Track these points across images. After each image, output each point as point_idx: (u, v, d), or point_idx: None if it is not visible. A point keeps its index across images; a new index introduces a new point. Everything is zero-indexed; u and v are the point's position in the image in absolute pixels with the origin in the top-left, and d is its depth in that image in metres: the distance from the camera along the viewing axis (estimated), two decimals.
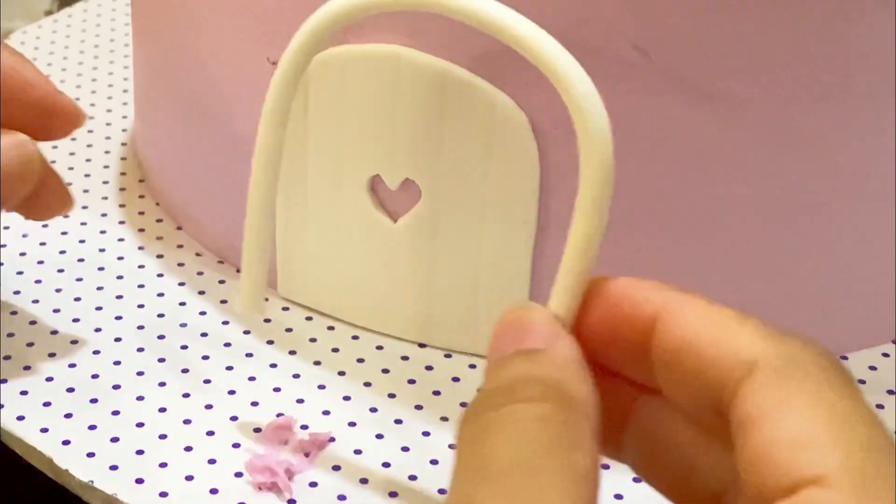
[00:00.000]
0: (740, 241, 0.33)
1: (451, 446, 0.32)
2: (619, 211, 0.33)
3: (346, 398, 0.33)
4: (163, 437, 0.32)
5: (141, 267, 0.38)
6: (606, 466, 0.24)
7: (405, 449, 0.32)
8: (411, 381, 0.34)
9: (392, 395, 0.34)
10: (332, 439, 0.32)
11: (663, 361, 0.23)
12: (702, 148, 0.32)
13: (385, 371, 0.34)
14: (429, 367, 0.35)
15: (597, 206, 0.25)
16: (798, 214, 0.33)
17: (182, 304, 0.37)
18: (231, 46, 0.35)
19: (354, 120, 0.33)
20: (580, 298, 0.25)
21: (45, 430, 0.32)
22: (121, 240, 0.40)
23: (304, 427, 0.32)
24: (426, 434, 0.32)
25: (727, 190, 0.32)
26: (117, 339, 0.35)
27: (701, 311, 0.23)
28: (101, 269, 0.38)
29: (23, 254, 0.39)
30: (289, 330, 0.36)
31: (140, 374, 0.34)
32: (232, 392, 0.33)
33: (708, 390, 0.22)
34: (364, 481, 0.31)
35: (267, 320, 0.36)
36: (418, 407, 0.33)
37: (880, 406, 0.34)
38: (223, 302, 0.37)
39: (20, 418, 0.32)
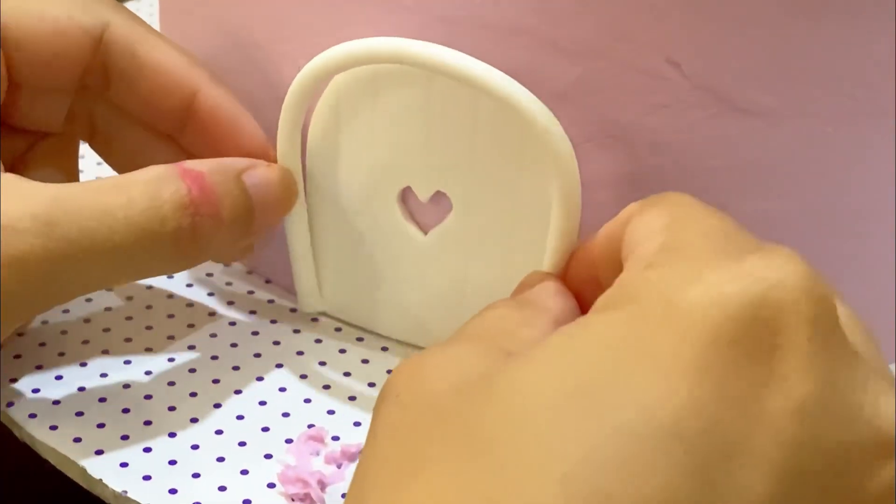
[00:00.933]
0: None
1: None
2: None
3: None
4: (195, 447, 0.32)
5: (170, 278, 0.38)
6: None
7: None
8: None
9: None
10: None
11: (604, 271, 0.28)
12: (733, 161, 0.32)
13: None
14: None
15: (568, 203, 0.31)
16: (829, 229, 0.33)
17: (211, 314, 0.37)
18: (263, 60, 0.35)
19: (386, 132, 0.33)
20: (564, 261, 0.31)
21: (77, 440, 0.32)
22: None
23: (336, 438, 0.32)
24: None
25: (758, 204, 0.32)
26: (148, 349, 0.35)
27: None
28: None
29: None
30: (318, 341, 0.36)
31: (171, 384, 0.34)
32: (263, 403, 0.34)
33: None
34: None
35: (296, 331, 0.36)
36: None
37: None
38: (252, 312, 0.37)
39: (53, 428, 0.32)
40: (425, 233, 0.34)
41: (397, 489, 0.21)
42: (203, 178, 0.31)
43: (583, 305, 0.29)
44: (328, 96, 0.33)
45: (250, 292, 0.38)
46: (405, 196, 0.34)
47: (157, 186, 0.30)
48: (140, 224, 0.30)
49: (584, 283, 0.29)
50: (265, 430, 0.33)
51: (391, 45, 0.31)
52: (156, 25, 0.53)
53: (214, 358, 0.35)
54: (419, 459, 0.21)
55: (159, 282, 0.38)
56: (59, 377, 0.34)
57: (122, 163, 0.36)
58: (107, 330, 0.36)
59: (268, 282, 0.38)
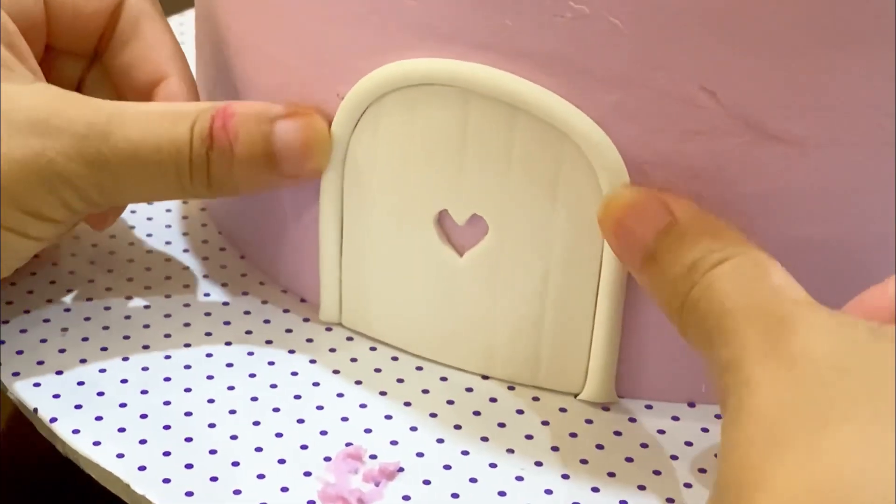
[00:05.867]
0: (805, 283, 0.33)
1: (518, 478, 0.32)
2: None
3: (413, 428, 0.34)
4: (235, 464, 0.32)
5: (206, 295, 0.39)
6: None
7: (473, 480, 0.32)
8: (476, 413, 0.35)
9: (458, 427, 0.34)
10: (401, 469, 0.33)
11: None
12: (766, 188, 0.32)
13: (450, 402, 0.35)
14: (493, 399, 0.35)
15: None
16: (860, 256, 0.33)
17: (248, 332, 0.38)
18: (300, 82, 0.36)
19: (423, 155, 0.34)
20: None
21: (121, 456, 0.32)
22: (185, 268, 0.40)
23: (373, 457, 0.33)
24: (493, 465, 0.33)
25: (789, 230, 0.33)
26: (187, 367, 0.36)
27: None
28: (167, 296, 0.39)
29: (91, 280, 0.40)
30: (354, 360, 0.37)
31: (210, 401, 0.35)
32: (301, 421, 0.34)
33: None
34: None
35: (332, 350, 0.37)
36: (484, 439, 0.34)
37: None
38: (288, 331, 0.38)
39: (96, 443, 0.33)
40: (461, 254, 0.35)
41: (818, 435, 0.23)
42: (232, 117, 0.34)
43: None
44: (368, 117, 0.34)
45: (286, 311, 0.39)
46: (441, 218, 0.35)
47: (195, 117, 0.34)
48: (176, 146, 0.34)
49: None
50: (304, 447, 0.33)
51: (448, 67, 0.32)
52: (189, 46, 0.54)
53: (252, 376, 0.36)
54: (827, 412, 0.24)
55: (198, 300, 0.39)
56: (100, 393, 0.35)
57: None
58: (146, 347, 0.37)
59: (303, 301, 0.39)
